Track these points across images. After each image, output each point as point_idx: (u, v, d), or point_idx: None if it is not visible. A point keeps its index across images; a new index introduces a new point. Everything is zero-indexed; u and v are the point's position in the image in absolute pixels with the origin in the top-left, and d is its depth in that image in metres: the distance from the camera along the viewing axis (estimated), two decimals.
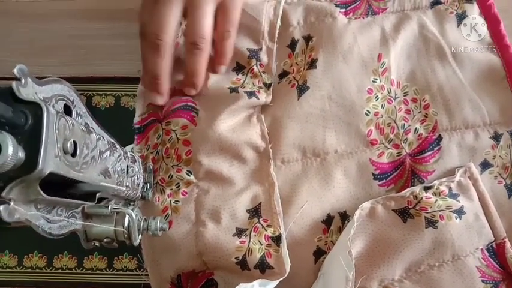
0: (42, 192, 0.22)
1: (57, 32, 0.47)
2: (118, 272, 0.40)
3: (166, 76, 0.40)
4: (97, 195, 0.29)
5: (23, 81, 0.22)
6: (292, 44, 0.44)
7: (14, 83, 0.22)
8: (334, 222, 0.39)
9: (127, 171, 0.33)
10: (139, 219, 0.31)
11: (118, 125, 0.43)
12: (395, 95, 0.43)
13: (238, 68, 0.43)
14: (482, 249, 0.38)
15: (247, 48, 0.43)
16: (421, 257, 0.37)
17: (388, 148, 0.41)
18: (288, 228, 0.38)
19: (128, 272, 0.40)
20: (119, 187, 0.30)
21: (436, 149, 0.41)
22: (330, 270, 0.36)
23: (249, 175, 0.40)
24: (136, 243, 0.30)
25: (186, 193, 0.39)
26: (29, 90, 0.23)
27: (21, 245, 0.41)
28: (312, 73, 0.42)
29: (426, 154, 0.41)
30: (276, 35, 0.44)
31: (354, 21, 0.45)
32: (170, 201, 0.38)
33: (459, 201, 0.39)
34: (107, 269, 0.41)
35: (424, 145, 0.42)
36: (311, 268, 0.38)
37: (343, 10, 0.45)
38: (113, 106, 0.44)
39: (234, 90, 0.41)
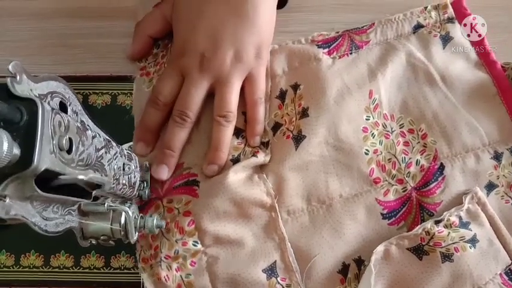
0: (37, 189, 0.22)
1: (53, 31, 0.47)
2: (115, 271, 0.40)
3: (179, 151, 0.40)
4: (93, 192, 0.29)
5: (18, 77, 0.22)
6: (281, 95, 0.43)
7: (8, 79, 0.22)
8: (351, 270, 0.38)
9: (123, 169, 0.33)
10: (136, 217, 0.31)
11: (114, 123, 0.43)
12: (392, 128, 0.43)
13: (237, 132, 0.41)
14: (501, 274, 0.38)
15: (242, 112, 0.42)
16: None
17: (393, 184, 0.41)
18: (304, 285, 0.37)
19: (125, 271, 0.40)
20: (114, 184, 0.30)
21: (440, 178, 0.41)
22: None
23: (257, 232, 0.38)
24: (133, 240, 0.30)
25: (195, 263, 0.37)
26: (24, 87, 0.23)
27: (18, 244, 0.41)
28: (305, 122, 0.41)
29: (431, 186, 0.41)
30: (269, 93, 0.43)
31: (339, 60, 0.44)
32: (181, 276, 0.37)
33: (471, 230, 0.38)
34: (104, 268, 0.40)
35: (427, 176, 0.41)
36: None
37: (326, 50, 0.44)
38: (109, 105, 0.44)
39: (236, 160, 0.40)
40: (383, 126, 0.42)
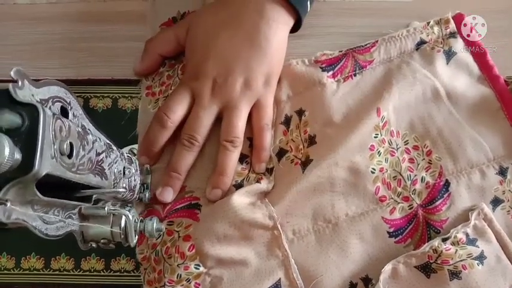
0: (38, 193, 0.22)
1: (55, 35, 0.47)
2: (115, 274, 0.41)
3: (185, 174, 0.40)
4: (94, 196, 0.29)
5: (19, 83, 0.23)
6: (286, 121, 0.43)
7: (10, 85, 0.22)
8: None
9: (124, 173, 0.33)
10: (136, 220, 0.31)
11: (115, 127, 0.44)
12: (397, 145, 0.43)
13: (241, 157, 0.41)
14: None
15: (247, 137, 0.42)
16: None
17: (399, 202, 0.41)
18: None
19: (125, 274, 0.41)
20: (115, 188, 0.30)
21: (445, 195, 0.41)
22: None
23: (260, 251, 0.38)
24: (132, 244, 0.30)
25: (199, 284, 0.37)
26: (25, 92, 0.23)
27: (18, 247, 0.41)
28: (314, 149, 0.42)
29: (437, 203, 0.41)
30: (274, 119, 0.43)
31: (343, 84, 0.44)
32: None
33: (478, 246, 0.38)
34: (105, 271, 0.41)
35: (433, 193, 0.41)
36: None
37: (330, 73, 0.44)
38: (110, 108, 0.45)
39: (239, 186, 0.40)
40: (389, 143, 0.42)
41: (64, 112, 0.27)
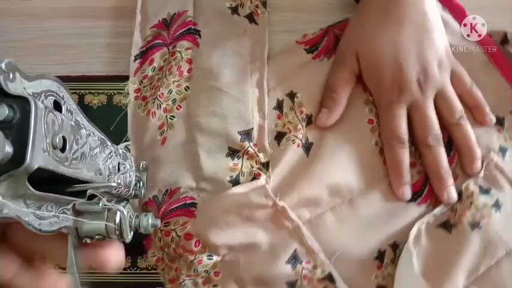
0: (30, 187, 0.22)
1: (50, 31, 0.47)
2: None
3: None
4: (88, 192, 0.29)
5: (11, 75, 0.22)
6: (279, 105, 0.43)
7: (1, 77, 0.22)
8: (387, 255, 0.39)
9: (118, 169, 0.33)
10: (131, 216, 0.31)
11: (111, 123, 0.43)
12: None
13: (232, 153, 0.40)
14: None
15: (238, 132, 0.41)
16: (477, 260, 0.38)
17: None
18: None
19: (121, 271, 0.40)
20: (109, 183, 0.30)
21: (451, 153, 0.42)
22: None
23: (268, 228, 0.38)
24: (127, 240, 0.30)
25: (219, 272, 0.37)
26: (17, 85, 0.23)
27: None
28: (312, 128, 0.42)
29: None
30: (266, 111, 0.42)
31: (329, 61, 0.44)
32: None
33: (493, 195, 0.40)
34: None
35: None
36: None
37: (315, 54, 0.44)
38: (105, 104, 0.44)
39: (235, 182, 0.40)
40: None
41: (57, 106, 0.27)
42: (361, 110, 0.42)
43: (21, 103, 0.22)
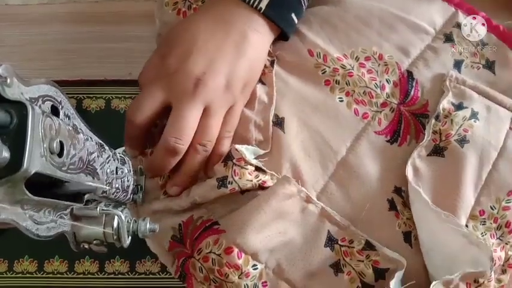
0: (27, 192, 0.22)
1: (48, 36, 0.47)
2: (110, 276, 0.40)
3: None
4: (85, 196, 0.29)
5: (8, 80, 0.22)
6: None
7: None
8: (397, 202, 0.40)
9: (116, 173, 0.33)
10: (129, 221, 0.31)
11: (109, 127, 0.43)
12: (351, 65, 0.43)
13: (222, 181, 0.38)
14: (510, 128, 0.42)
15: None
16: (476, 171, 0.39)
17: (380, 111, 0.42)
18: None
19: (119, 276, 0.40)
20: (107, 187, 0.30)
21: (414, 84, 0.43)
22: (435, 240, 0.38)
23: (296, 218, 0.37)
24: (125, 244, 0.30)
25: (266, 282, 0.36)
26: (14, 90, 0.23)
27: (11, 250, 0.40)
28: (282, 105, 0.41)
29: (412, 93, 0.43)
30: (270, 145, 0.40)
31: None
32: None
33: (467, 107, 0.41)
34: (99, 273, 0.40)
35: (404, 88, 0.43)
36: (410, 254, 0.38)
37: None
38: (103, 109, 0.44)
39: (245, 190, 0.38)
40: (342, 67, 0.43)
41: (55, 111, 0.27)
42: (315, 77, 0.43)
43: (19, 108, 0.22)
